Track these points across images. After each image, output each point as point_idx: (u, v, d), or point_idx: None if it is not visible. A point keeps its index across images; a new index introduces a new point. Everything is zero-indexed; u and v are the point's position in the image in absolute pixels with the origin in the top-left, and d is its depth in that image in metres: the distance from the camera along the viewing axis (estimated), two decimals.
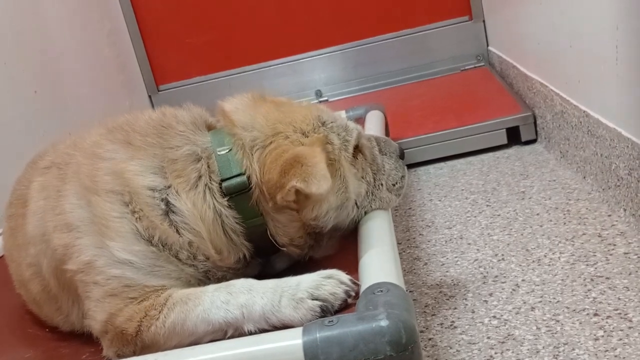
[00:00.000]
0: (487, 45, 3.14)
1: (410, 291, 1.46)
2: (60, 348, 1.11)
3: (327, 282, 0.93)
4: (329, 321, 0.83)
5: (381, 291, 0.88)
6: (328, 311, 0.90)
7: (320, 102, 3.23)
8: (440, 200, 1.96)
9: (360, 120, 2.19)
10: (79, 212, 1.04)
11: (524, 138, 2.28)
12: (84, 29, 2.87)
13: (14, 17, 2.27)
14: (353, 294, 0.93)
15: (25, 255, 1.16)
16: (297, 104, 1.18)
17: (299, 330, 0.83)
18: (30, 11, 2.41)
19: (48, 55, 2.46)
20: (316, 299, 0.91)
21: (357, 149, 1.16)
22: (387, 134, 2.22)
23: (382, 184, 1.20)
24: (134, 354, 0.97)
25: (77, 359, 1.05)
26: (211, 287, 0.99)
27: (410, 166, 2.33)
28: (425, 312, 1.36)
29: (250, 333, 0.93)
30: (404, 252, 1.68)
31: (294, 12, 3.23)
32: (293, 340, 0.82)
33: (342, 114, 2.33)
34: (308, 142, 1.06)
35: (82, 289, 1.04)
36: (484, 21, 3.13)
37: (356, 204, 1.15)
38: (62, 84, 2.50)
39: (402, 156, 1.26)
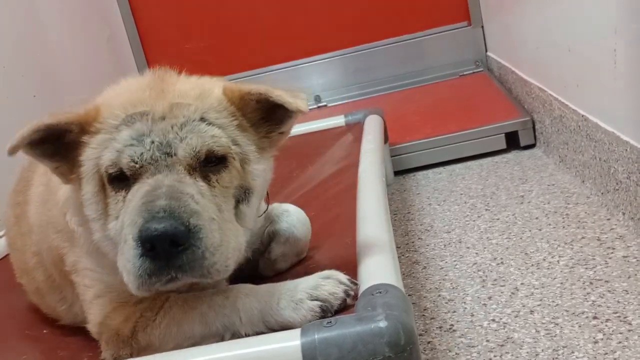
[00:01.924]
0: (486, 51, 3.15)
1: (409, 295, 1.46)
2: (59, 350, 1.10)
3: (326, 282, 0.93)
4: (328, 322, 0.82)
5: (380, 292, 0.88)
6: (328, 311, 0.90)
7: (319, 107, 3.24)
8: (439, 205, 1.96)
9: (359, 125, 2.19)
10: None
11: (522, 143, 2.28)
12: (84, 35, 2.87)
13: (13, 22, 2.27)
14: (352, 293, 0.92)
15: (30, 244, 1.16)
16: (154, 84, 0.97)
17: (297, 332, 0.83)
18: (29, 17, 2.41)
19: (47, 60, 2.46)
20: (316, 299, 0.90)
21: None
22: (386, 138, 2.22)
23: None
24: (131, 356, 0.96)
25: None
26: (209, 292, 0.99)
27: (409, 171, 2.33)
28: (424, 315, 1.36)
29: (247, 337, 0.92)
30: (403, 256, 1.68)
31: (293, 18, 3.24)
32: (291, 341, 0.82)
33: (341, 119, 2.33)
34: None
35: (77, 290, 1.04)
36: (482, 27, 3.14)
37: None
38: (61, 88, 2.50)
39: (144, 240, 0.81)
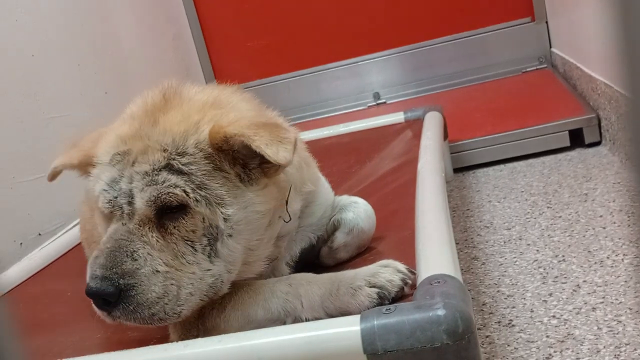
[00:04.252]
0: (550, 47, 3.09)
1: (467, 289, 1.46)
2: (129, 331, 1.16)
3: (384, 270, 0.95)
4: (387, 309, 0.84)
5: (438, 282, 0.89)
6: (385, 298, 0.92)
7: (378, 104, 3.25)
8: (499, 202, 1.95)
9: (419, 122, 2.19)
10: None
11: (587, 140, 2.23)
12: (151, 34, 2.98)
13: (86, 23, 2.38)
14: (410, 281, 0.94)
15: None
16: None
17: (356, 318, 0.85)
18: (101, 17, 2.52)
19: (118, 59, 2.57)
20: (373, 286, 0.93)
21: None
22: (445, 135, 2.21)
23: None
24: (197, 337, 1.01)
25: (146, 343, 1.09)
26: (272, 280, 1.03)
27: (468, 168, 2.32)
28: (482, 310, 1.36)
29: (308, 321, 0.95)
30: (462, 252, 1.67)
31: (352, 15, 3.26)
32: (351, 327, 0.84)
33: (400, 115, 2.34)
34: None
35: None
36: (547, 22, 3.08)
37: None
38: (130, 85, 2.61)
39: (87, 294, 0.92)
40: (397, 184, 1.65)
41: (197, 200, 0.94)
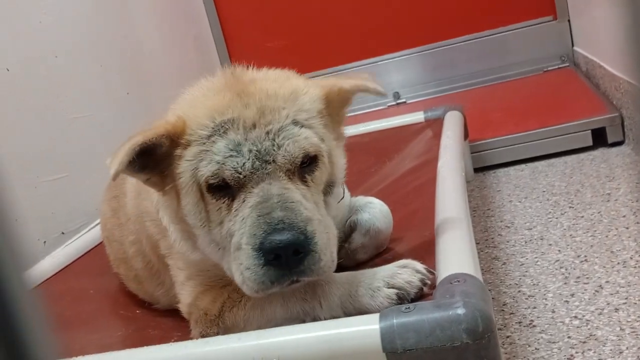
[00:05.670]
0: (573, 45, 3.05)
1: (487, 289, 1.45)
2: (149, 329, 1.17)
3: (403, 271, 0.94)
4: (406, 308, 0.84)
5: (458, 281, 0.89)
6: (404, 299, 0.91)
7: (398, 104, 3.24)
8: (520, 202, 1.93)
9: (439, 121, 2.18)
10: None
11: (610, 140, 2.20)
12: (172, 34, 3.00)
13: (108, 24, 2.41)
14: (429, 282, 0.94)
15: (128, 233, 1.24)
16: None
17: (376, 316, 0.85)
18: (123, 18, 2.55)
19: (139, 59, 2.60)
20: (392, 287, 0.92)
21: (214, 189, 0.94)
22: (466, 134, 2.20)
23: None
24: (217, 334, 1.02)
25: (166, 340, 1.10)
26: None
27: (489, 168, 2.30)
28: (503, 310, 1.35)
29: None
30: (482, 251, 1.66)
31: (371, 15, 3.25)
32: (370, 325, 0.84)
33: (420, 115, 2.33)
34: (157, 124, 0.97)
35: (171, 272, 1.11)
36: (569, 21, 3.04)
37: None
38: (151, 85, 2.63)
39: (268, 251, 0.87)
40: (417, 183, 1.64)
41: (324, 151, 0.98)
